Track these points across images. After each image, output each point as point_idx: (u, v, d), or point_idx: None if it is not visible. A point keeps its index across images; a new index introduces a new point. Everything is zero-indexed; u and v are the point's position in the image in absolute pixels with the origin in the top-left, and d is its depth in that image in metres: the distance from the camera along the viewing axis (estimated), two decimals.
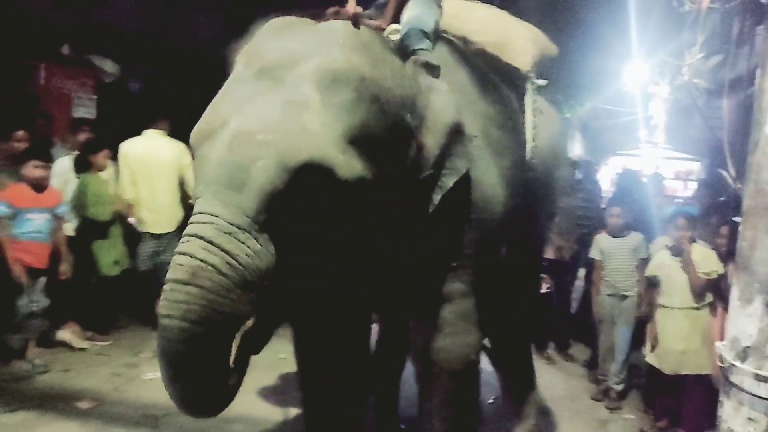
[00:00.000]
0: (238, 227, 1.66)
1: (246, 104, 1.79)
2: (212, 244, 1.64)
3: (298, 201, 1.72)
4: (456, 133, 2.10)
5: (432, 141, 2.04)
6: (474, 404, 2.50)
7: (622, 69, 9.18)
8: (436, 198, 2.08)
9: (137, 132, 4.94)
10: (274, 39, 1.96)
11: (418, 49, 2.20)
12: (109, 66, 6.76)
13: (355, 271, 2.01)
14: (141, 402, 3.93)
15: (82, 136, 5.13)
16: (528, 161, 2.72)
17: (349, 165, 1.78)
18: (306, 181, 1.71)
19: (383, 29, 2.28)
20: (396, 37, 2.24)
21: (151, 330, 5.49)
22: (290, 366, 2.90)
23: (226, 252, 1.64)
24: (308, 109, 1.77)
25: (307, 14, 2.21)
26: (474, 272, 2.33)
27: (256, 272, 1.68)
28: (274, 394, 4.16)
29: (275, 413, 3.88)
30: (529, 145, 2.74)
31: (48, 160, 4.55)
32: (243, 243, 1.66)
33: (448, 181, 2.09)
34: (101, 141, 5.01)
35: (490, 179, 2.33)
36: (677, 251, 3.96)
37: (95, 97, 6.61)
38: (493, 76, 2.63)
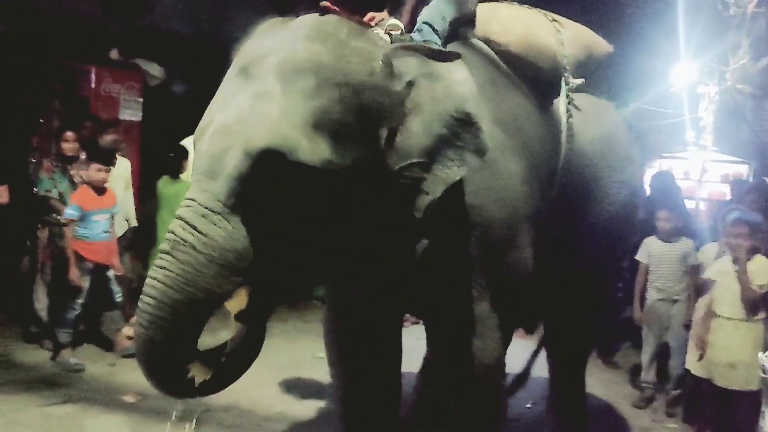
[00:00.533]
0: (212, 210, 1.82)
1: (227, 101, 1.94)
2: (188, 224, 1.82)
3: (266, 186, 1.83)
4: (464, 123, 2.03)
5: (421, 128, 2.00)
6: (495, 408, 2.47)
7: (668, 69, 8.97)
8: (437, 189, 2.01)
9: (181, 134, 5.04)
10: (255, 39, 2.06)
11: (426, 41, 2.23)
12: (155, 69, 6.94)
13: (345, 263, 2.09)
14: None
15: (108, 137, 5.26)
16: (563, 164, 2.61)
17: (314, 149, 1.84)
18: (270, 166, 1.82)
19: (368, 24, 2.34)
20: (396, 32, 2.29)
21: None
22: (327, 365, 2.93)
23: (200, 232, 1.81)
24: (271, 98, 1.87)
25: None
26: (485, 274, 2.31)
27: (230, 252, 1.82)
28: (312, 393, 4.20)
29: (313, 412, 3.93)
30: (562, 149, 2.63)
31: (108, 163, 4.77)
32: (215, 225, 1.82)
33: (454, 173, 2.03)
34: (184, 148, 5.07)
35: (499, 182, 2.27)
36: (736, 259, 3.84)
37: (141, 99, 6.79)
38: (515, 77, 2.54)
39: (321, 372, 4.29)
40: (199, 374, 1.91)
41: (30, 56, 6.27)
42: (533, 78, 2.58)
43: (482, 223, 2.24)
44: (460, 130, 2.03)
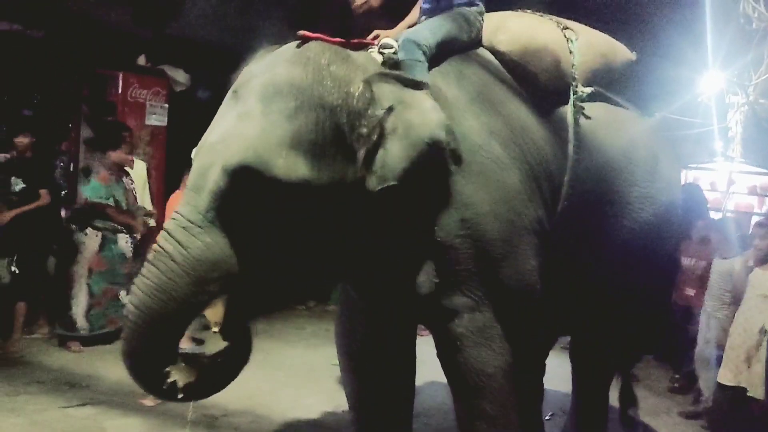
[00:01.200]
0: (192, 222, 1.96)
1: (218, 121, 2.11)
2: (171, 236, 1.97)
3: (245, 201, 1.96)
4: (435, 149, 2.10)
5: (399, 153, 2.06)
6: (503, 418, 2.44)
7: (696, 78, 8.84)
8: (409, 207, 2.13)
9: None
10: (250, 64, 2.20)
11: (407, 60, 2.29)
12: (180, 76, 7.04)
13: (324, 275, 2.24)
14: (201, 402, 4.02)
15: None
16: (571, 175, 2.53)
17: (290, 168, 1.96)
18: (247, 182, 1.94)
19: (369, 43, 2.44)
20: (389, 51, 2.34)
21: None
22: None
23: (180, 243, 1.95)
24: (251, 118, 2.01)
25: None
26: (483, 286, 2.31)
27: (206, 264, 1.95)
28: (328, 400, 4.22)
29: (329, 419, 3.95)
30: (568, 159, 2.54)
31: None
32: (195, 237, 1.95)
33: (426, 193, 2.15)
34: None
35: (492, 194, 2.28)
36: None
37: (167, 105, 6.89)
38: (517, 86, 2.53)
39: (337, 379, 4.32)
40: (181, 378, 2.02)
41: (62, 62, 6.41)
42: (535, 86, 2.55)
43: (474, 235, 2.26)
44: (434, 154, 2.10)
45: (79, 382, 4.29)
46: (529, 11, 2.78)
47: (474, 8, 2.59)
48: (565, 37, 2.63)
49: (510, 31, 2.59)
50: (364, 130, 2.06)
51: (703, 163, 8.37)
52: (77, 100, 6.59)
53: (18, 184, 5.01)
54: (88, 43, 6.48)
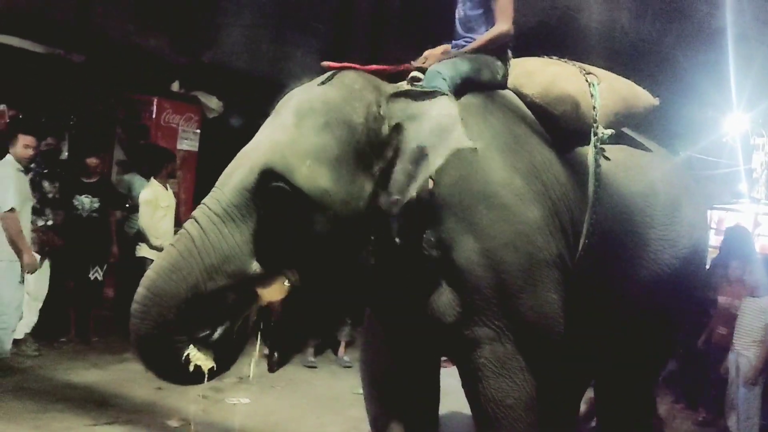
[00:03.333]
0: (214, 212, 2.07)
1: (256, 135, 2.26)
2: (195, 221, 2.08)
3: (265, 203, 2.08)
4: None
5: (401, 167, 2.15)
6: None
7: (720, 119, 8.87)
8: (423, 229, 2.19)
9: None
10: (293, 89, 2.35)
11: (429, 87, 2.35)
12: (213, 103, 7.20)
13: (338, 289, 2.24)
14: (224, 425, 4.09)
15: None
16: (591, 215, 2.54)
17: (312, 178, 2.08)
18: (269, 185, 2.06)
19: (386, 72, 2.53)
20: (417, 84, 2.42)
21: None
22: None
23: (201, 227, 2.06)
24: (284, 129, 2.17)
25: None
26: (503, 317, 2.34)
27: (219, 254, 2.04)
28: (350, 428, 4.23)
29: None
30: (588, 199, 2.56)
31: None
32: (215, 225, 2.06)
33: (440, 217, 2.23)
34: None
35: (512, 227, 2.33)
36: None
37: (199, 131, 7.04)
38: (539, 127, 2.58)
39: (360, 408, 4.33)
40: (203, 363, 2.07)
41: (99, 86, 6.60)
42: (557, 128, 2.61)
43: (493, 266, 2.29)
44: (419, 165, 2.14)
45: (107, 401, 4.33)
46: (554, 57, 2.86)
47: (496, 58, 2.67)
48: (587, 81, 2.69)
49: (534, 75, 2.67)
50: (378, 149, 2.18)
51: (729, 203, 8.34)
52: (112, 123, 6.76)
53: (92, 204, 5.56)
54: (125, 68, 6.67)
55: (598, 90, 2.68)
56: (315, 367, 5.62)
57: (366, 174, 2.17)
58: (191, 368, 2.05)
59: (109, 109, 6.92)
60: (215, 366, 2.10)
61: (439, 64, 2.51)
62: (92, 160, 5.69)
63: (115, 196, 6.02)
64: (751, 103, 7.93)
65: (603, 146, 2.64)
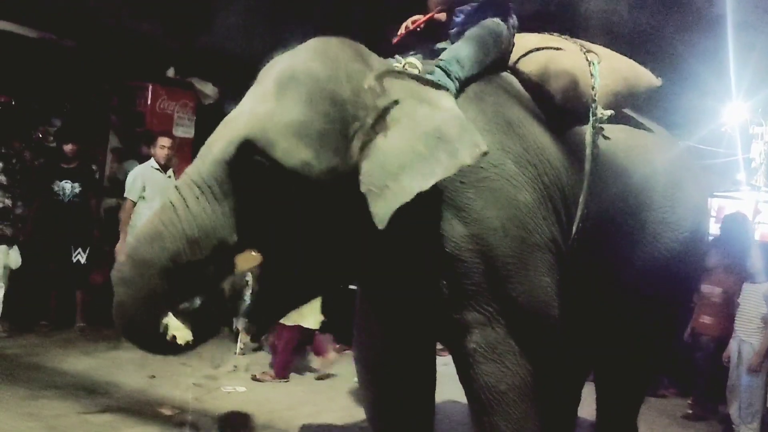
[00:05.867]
0: (194, 182, 2.02)
1: (241, 102, 2.18)
2: (178, 191, 2.04)
3: (244, 176, 2.01)
4: (444, 143, 2.09)
5: (400, 143, 2.07)
6: None
7: (719, 108, 8.82)
8: (400, 199, 2.03)
9: None
10: (275, 57, 2.26)
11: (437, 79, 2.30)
12: (209, 89, 7.13)
13: (316, 267, 2.16)
14: (219, 413, 4.06)
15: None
16: (586, 196, 2.49)
17: (292, 151, 1.99)
18: (248, 158, 1.99)
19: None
20: (414, 71, 2.31)
21: (232, 343, 5.66)
22: None
23: (184, 198, 2.00)
24: (265, 100, 2.07)
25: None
26: (494, 301, 2.28)
27: (200, 225, 1.98)
28: (348, 415, 4.20)
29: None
30: (584, 180, 2.51)
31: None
32: (196, 196, 2.00)
33: (419, 185, 2.06)
34: None
35: (503, 211, 2.28)
36: None
37: (194, 117, 6.97)
38: (535, 106, 2.53)
39: (357, 395, 4.30)
40: (180, 334, 2.03)
41: (92, 72, 6.52)
42: (553, 107, 2.54)
43: (483, 250, 2.24)
44: (436, 150, 2.07)
45: (98, 389, 4.29)
46: (555, 34, 2.80)
47: (503, 23, 2.58)
48: (587, 60, 2.63)
49: (531, 52, 2.61)
50: (369, 121, 2.07)
51: (728, 192, 8.32)
52: (106, 110, 6.68)
53: (72, 189, 5.68)
54: (118, 54, 6.59)
55: (599, 69, 2.62)
56: None
57: (350, 149, 2.07)
58: (168, 338, 2.02)
59: (103, 95, 6.85)
60: (192, 339, 2.06)
61: (445, 57, 2.40)
62: (69, 147, 5.74)
63: (95, 180, 6.10)
64: (750, 92, 7.88)
65: (602, 126, 2.57)
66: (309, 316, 4.73)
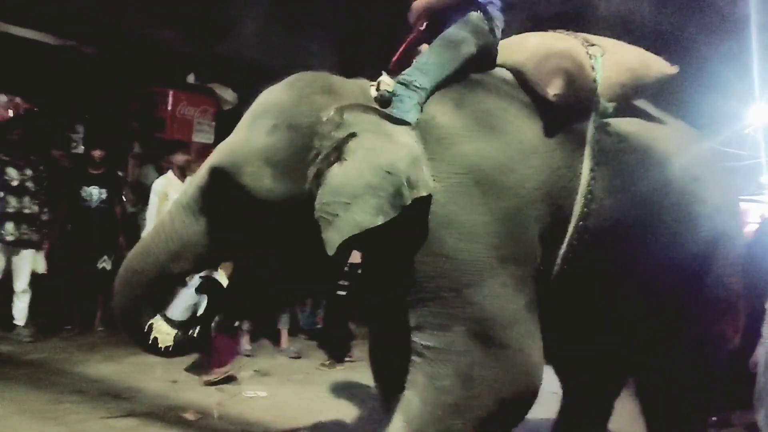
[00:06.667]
0: (181, 203, 2.38)
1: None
2: (170, 209, 2.42)
3: (218, 199, 2.29)
4: (392, 179, 2.13)
5: (352, 173, 2.16)
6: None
7: (743, 110, 8.70)
8: (347, 231, 2.12)
9: None
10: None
11: (400, 96, 2.33)
12: (228, 94, 7.18)
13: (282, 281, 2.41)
14: (241, 418, 4.05)
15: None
16: (585, 195, 2.36)
17: (256, 177, 2.21)
18: (221, 183, 2.26)
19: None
20: (386, 88, 2.38)
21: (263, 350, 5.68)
22: None
23: (171, 217, 2.36)
24: (239, 130, 2.34)
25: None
26: (451, 307, 2.22)
27: (181, 241, 2.31)
28: (370, 419, 4.17)
29: None
30: (583, 178, 2.37)
31: None
32: (180, 214, 2.35)
33: (368, 221, 2.13)
34: None
35: (468, 217, 2.23)
36: None
37: (214, 123, 7.00)
38: (529, 107, 2.43)
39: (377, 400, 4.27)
40: (161, 338, 2.36)
41: (113, 78, 6.58)
42: (548, 105, 2.42)
43: (443, 254, 2.22)
44: (390, 184, 2.11)
45: (121, 394, 4.30)
46: (560, 31, 2.67)
47: (479, 16, 2.54)
48: (588, 53, 2.49)
49: (527, 48, 2.52)
50: (326, 150, 2.18)
51: (752, 195, 8.19)
52: (127, 116, 6.74)
53: (100, 195, 5.75)
54: (139, 60, 6.64)
55: (602, 61, 2.49)
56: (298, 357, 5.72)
57: (306, 176, 2.21)
58: (149, 339, 2.36)
59: (124, 101, 6.91)
60: (172, 345, 2.37)
61: (411, 71, 2.40)
62: (97, 152, 5.80)
63: (121, 186, 6.17)
64: None
65: (607, 121, 2.45)
66: None
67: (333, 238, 2.10)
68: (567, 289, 2.41)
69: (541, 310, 2.35)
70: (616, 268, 2.47)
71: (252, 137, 2.25)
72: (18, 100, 6.17)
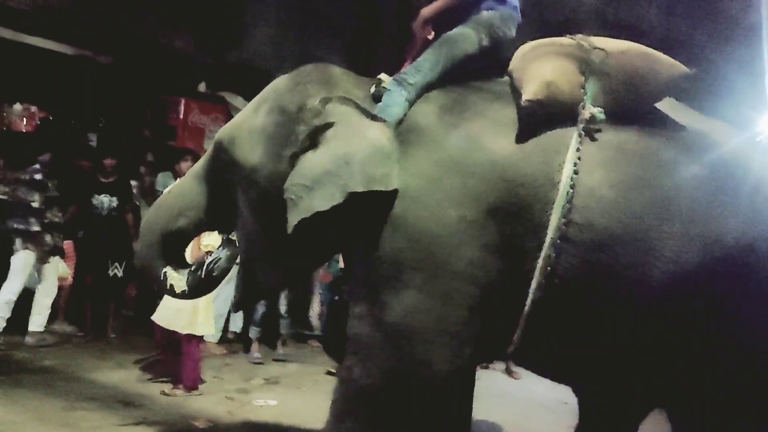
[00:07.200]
0: (191, 171, 2.96)
1: None
2: (185, 174, 3.09)
3: (218, 169, 2.72)
4: (350, 168, 2.31)
5: (320, 159, 2.35)
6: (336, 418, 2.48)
7: (755, 118, 8.64)
8: (301, 214, 2.29)
9: None
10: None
11: (390, 94, 2.46)
12: (239, 102, 7.22)
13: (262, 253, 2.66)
14: (251, 427, 4.07)
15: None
16: (564, 206, 2.18)
17: (247, 152, 2.54)
18: (220, 155, 2.68)
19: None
20: (383, 85, 2.53)
21: (264, 356, 5.71)
22: None
23: (183, 178, 3.05)
24: (244, 112, 2.71)
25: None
26: (385, 305, 2.29)
27: (186, 200, 2.84)
28: None
29: None
30: (558, 201, 2.19)
31: None
32: (190, 179, 2.90)
33: (319, 205, 2.30)
34: None
35: (417, 221, 2.26)
36: None
37: None
38: (508, 116, 2.36)
39: None
40: (176, 284, 2.85)
41: (127, 87, 6.66)
42: (530, 111, 2.33)
43: (396, 256, 2.28)
44: (345, 173, 2.26)
45: (133, 401, 4.33)
46: (567, 36, 2.52)
47: (497, 13, 2.59)
48: (585, 58, 2.36)
49: (521, 54, 2.48)
50: (303, 136, 2.40)
51: None
52: (141, 124, 6.81)
53: (110, 203, 5.83)
54: (152, 69, 6.71)
55: (601, 66, 2.34)
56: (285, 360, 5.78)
57: (284, 157, 2.45)
58: (167, 285, 2.84)
59: (137, 110, 6.98)
60: (186, 289, 2.85)
61: (407, 69, 2.53)
62: (109, 161, 5.88)
63: (132, 194, 6.24)
64: None
65: (597, 128, 2.28)
66: (202, 324, 4.53)
67: (291, 219, 2.28)
68: (562, 303, 2.25)
69: (509, 320, 2.28)
70: (611, 281, 2.23)
71: (251, 117, 2.60)
72: (33, 109, 6.25)
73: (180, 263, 2.94)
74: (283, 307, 5.82)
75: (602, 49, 2.39)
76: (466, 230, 2.24)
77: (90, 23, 6.41)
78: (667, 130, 2.40)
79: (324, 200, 2.25)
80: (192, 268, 2.88)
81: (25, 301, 5.33)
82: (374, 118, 2.37)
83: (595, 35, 2.53)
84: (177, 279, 2.83)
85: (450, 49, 2.53)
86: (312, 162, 2.32)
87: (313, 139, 2.36)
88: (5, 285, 5.16)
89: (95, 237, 5.78)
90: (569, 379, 2.72)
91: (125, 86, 6.74)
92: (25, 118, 6.19)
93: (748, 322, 2.27)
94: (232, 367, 5.35)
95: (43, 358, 5.06)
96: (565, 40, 2.47)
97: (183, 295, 2.88)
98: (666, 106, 2.47)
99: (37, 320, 5.34)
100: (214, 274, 2.85)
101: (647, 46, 2.46)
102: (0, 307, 5.10)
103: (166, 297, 3.94)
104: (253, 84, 7.15)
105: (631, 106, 2.37)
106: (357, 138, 2.30)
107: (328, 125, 2.35)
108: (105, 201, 5.81)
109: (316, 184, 2.27)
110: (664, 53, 2.43)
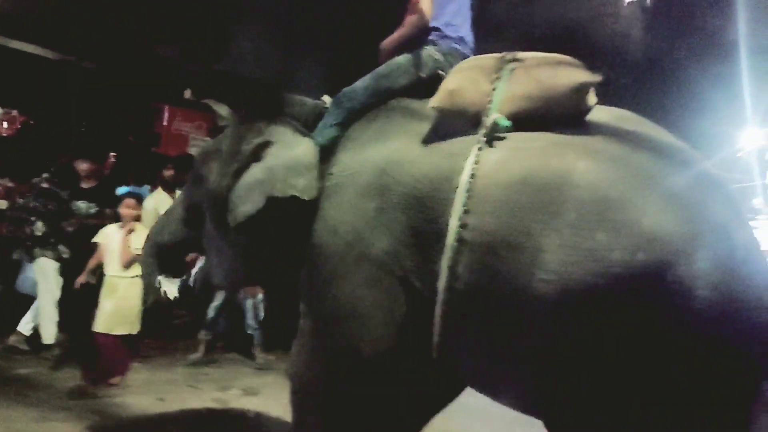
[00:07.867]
0: (179, 196, 3.40)
1: None
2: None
3: (193, 185, 3.08)
4: (274, 179, 2.64)
5: (254, 172, 2.70)
6: (296, 417, 2.69)
7: (734, 134, 8.77)
8: (233, 220, 2.66)
9: None
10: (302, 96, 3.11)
11: (330, 111, 2.77)
12: (223, 110, 7.20)
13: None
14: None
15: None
16: (461, 210, 2.15)
17: (207, 169, 2.90)
18: (193, 173, 3.09)
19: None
20: (325, 105, 2.87)
21: (241, 366, 5.68)
22: None
23: (175, 202, 3.41)
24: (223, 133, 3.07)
25: None
26: (313, 297, 2.58)
27: (169, 219, 3.26)
28: None
29: None
30: (456, 205, 2.17)
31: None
32: (177, 201, 3.34)
33: (243, 213, 2.64)
34: None
35: (339, 213, 2.48)
36: None
37: (208, 138, 7.04)
38: (423, 126, 2.46)
39: None
40: (169, 290, 3.18)
41: (111, 93, 6.64)
42: (440, 122, 2.43)
43: (314, 247, 2.51)
44: (268, 181, 2.58)
45: (106, 410, 4.27)
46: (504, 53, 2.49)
47: (435, 48, 2.80)
48: (500, 68, 2.37)
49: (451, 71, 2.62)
50: (245, 153, 2.69)
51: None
52: (124, 130, 6.79)
53: (88, 209, 5.64)
54: (137, 76, 6.70)
55: (511, 76, 2.33)
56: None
57: (228, 173, 2.74)
58: (162, 292, 3.18)
59: (121, 116, 6.95)
60: (176, 296, 3.18)
61: (343, 92, 2.79)
62: (83, 166, 5.65)
63: (112, 200, 5.95)
64: (766, 117, 7.85)
65: (500, 137, 2.25)
66: (123, 324, 4.66)
67: (231, 224, 2.63)
68: (466, 308, 2.16)
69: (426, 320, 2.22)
70: (501, 287, 2.08)
71: (219, 140, 2.97)
72: (14, 113, 6.21)
73: (174, 272, 3.27)
74: (252, 321, 5.89)
75: (518, 60, 2.38)
76: (377, 220, 2.38)
77: (75, 29, 6.39)
78: (576, 137, 2.21)
79: (252, 206, 2.57)
80: (183, 277, 3.23)
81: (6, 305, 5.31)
82: (306, 136, 2.72)
83: (575, 55, 2.41)
84: (169, 287, 3.19)
85: (378, 82, 2.78)
86: (248, 174, 2.66)
87: (255, 156, 2.68)
88: (42, 296, 5.32)
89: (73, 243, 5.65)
90: (490, 395, 2.38)
91: (109, 92, 6.71)
92: (5, 123, 6.14)
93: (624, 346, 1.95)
94: (210, 376, 5.31)
95: (16, 367, 5.01)
96: (491, 55, 2.49)
97: (175, 301, 3.22)
98: (601, 115, 2.34)
99: (50, 329, 5.37)
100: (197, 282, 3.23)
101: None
102: (49, 315, 5.32)
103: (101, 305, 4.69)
104: (239, 92, 7.21)
105: (540, 113, 2.29)
106: (285, 152, 2.64)
107: (268, 143, 2.68)
108: (83, 207, 5.65)
109: (247, 192, 2.61)
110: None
